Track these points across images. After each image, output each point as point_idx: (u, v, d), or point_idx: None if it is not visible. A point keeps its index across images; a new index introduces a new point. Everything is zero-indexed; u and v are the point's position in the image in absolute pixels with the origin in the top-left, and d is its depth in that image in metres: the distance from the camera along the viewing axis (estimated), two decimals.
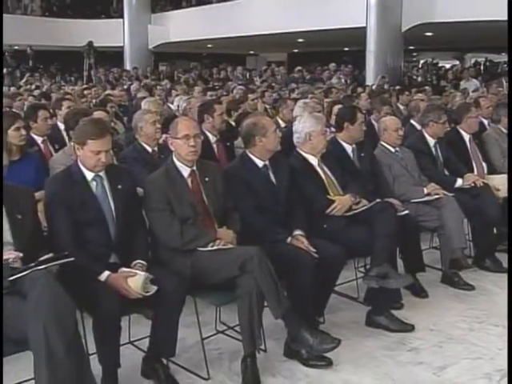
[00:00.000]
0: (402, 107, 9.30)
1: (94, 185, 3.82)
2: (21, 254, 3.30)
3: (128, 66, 24.05)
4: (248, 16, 21.24)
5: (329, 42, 22.22)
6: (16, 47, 24.68)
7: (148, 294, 3.53)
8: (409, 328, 4.52)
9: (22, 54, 24.96)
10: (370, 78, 16.99)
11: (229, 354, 4.16)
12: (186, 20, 24.63)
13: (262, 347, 4.00)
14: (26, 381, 3.41)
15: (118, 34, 25.07)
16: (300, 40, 23.34)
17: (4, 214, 3.43)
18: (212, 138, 5.80)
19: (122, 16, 25.63)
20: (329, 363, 4.00)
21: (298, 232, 4.26)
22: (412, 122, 7.15)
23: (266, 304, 3.79)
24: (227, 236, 4.01)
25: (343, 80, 16.49)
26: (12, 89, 15.17)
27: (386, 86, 13.86)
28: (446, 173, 5.90)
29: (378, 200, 4.75)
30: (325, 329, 4.30)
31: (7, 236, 3.41)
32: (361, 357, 4.14)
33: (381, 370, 3.99)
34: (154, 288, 3.55)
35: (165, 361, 3.87)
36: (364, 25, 17.17)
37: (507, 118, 6.32)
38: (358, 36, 17.36)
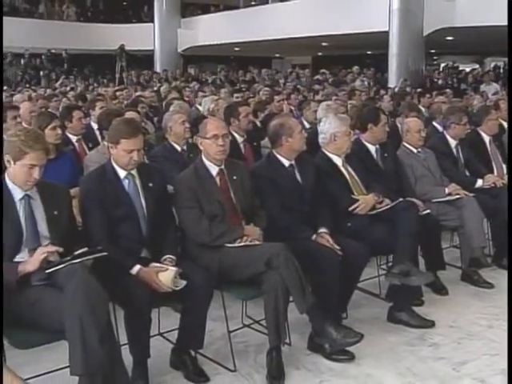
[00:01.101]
0: (423, 109, 9.22)
1: (126, 182, 3.83)
2: (61, 249, 3.32)
3: (158, 69, 24.14)
4: (274, 20, 21.25)
5: (352, 45, 22.14)
6: (53, 51, 24.92)
7: (177, 289, 3.54)
8: (429, 324, 4.49)
9: (57, 57, 25.18)
10: (392, 80, 16.91)
11: (254, 346, 4.16)
12: (214, 24, 24.71)
13: (287, 341, 3.99)
14: (61, 368, 3.40)
15: (148, 38, 25.22)
16: (324, 44, 23.27)
17: (41, 209, 3.45)
18: (239, 139, 5.80)
19: (152, 21, 25.78)
20: (351, 357, 3.98)
21: (322, 230, 4.24)
22: (434, 123, 7.09)
23: (291, 299, 3.78)
24: (254, 233, 4.00)
25: (366, 82, 16.40)
26: (48, 90, 15.27)
27: (407, 89, 13.76)
28: (467, 173, 5.85)
29: (400, 199, 4.71)
30: (348, 324, 4.27)
31: (44, 231, 3.43)
32: (382, 351, 4.12)
33: (402, 364, 3.96)
34: (184, 283, 3.56)
35: (193, 352, 3.88)
36: (387, 29, 17.11)
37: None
38: (380, 40, 17.29)
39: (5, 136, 5.18)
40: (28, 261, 3.29)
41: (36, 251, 3.31)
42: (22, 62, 24.72)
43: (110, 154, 3.85)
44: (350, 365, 3.95)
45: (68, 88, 15.97)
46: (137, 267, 3.59)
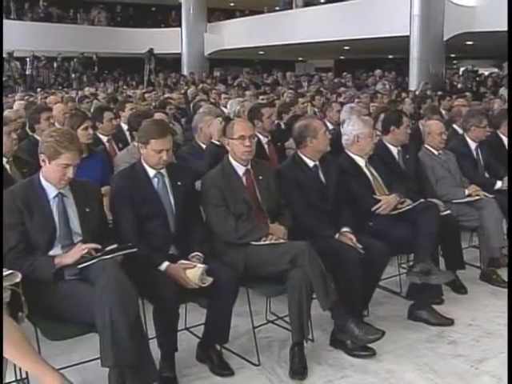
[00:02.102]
0: (443, 112, 9.15)
1: (155, 181, 3.84)
2: (99, 246, 3.34)
3: (185, 72, 24.24)
4: (297, 25, 21.23)
5: (373, 49, 22.06)
6: (84, 54, 25.15)
7: (204, 285, 3.54)
8: (449, 322, 4.46)
9: (88, 60, 25.37)
10: (413, 84, 16.82)
11: (278, 342, 4.15)
12: (239, 29, 24.75)
13: (310, 337, 3.98)
14: (92, 360, 3.44)
15: (176, 42, 25.31)
16: (346, 47, 23.20)
17: (74, 207, 3.48)
18: (263, 139, 5.79)
19: (180, 25, 25.88)
20: (372, 353, 3.96)
21: (345, 229, 4.23)
22: (454, 126, 7.03)
23: (314, 296, 3.77)
24: (279, 231, 4.00)
25: (387, 86, 16.32)
26: (79, 92, 15.40)
27: (428, 92, 13.67)
28: (487, 175, 5.80)
29: (421, 200, 4.67)
30: (369, 321, 4.25)
31: (76, 227, 3.45)
32: (403, 348, 4.10)
33: (422, 360, 3.94)
34: (210, 279, 3.56)
35: (218, 347, 3.89)
36: (408, 34, 17.02)
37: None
38: (401, 44, 17.22)
39: (38, 136, 5.33)
40: (66, 254, 3.33)
41: (76, 246, 3.35)
42: (55, 65, 24.96)
43: (140, 153, 3.86)
44: (370, 361, 3.93)
45: (99, 90, 16.07)
46: (165, 264, 3.60)
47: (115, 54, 26.33)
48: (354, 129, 4.67)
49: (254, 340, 3.96)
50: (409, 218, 4.49)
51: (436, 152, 5.48)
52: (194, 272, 3.55)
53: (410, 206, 4.59)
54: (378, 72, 18.22)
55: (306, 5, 22.61)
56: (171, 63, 26.52)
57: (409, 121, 5.39)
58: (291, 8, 23.30)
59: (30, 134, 5.84)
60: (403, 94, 12.11)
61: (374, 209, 4.55)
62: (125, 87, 19.53)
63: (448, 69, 20.59)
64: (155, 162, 3.80)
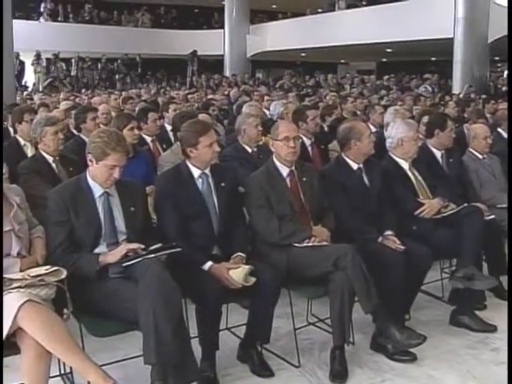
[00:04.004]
0: (488, 115, 9.01)
1: (200, 182, 3.86)
2: (142, 246, 3.37)
3: (227, 73, 24.32)
4: (339, 27, 21.18)
5: (416, 52, 21.85)
6: (128, 56, 25.48)
7: (248, 285, 3.55)
8: (491, 328, 4.39)
9: (132, 61, 25.68)
10: (457, 87, 16.62)
11: (319, 344, 4.14)
12: (282, 31, 24.76)
13: (351, 340, 3.95)
14: (135, 357, 3.48)
15: (219, 44, 25.42)
16: (389, 50, 23.03)
17: (119, 206, 3.52)
18: (307, 141, 5.78)
19: (222, 27, 25.96)
20: (413, 358, 3.92)
21: (388, 232, 4.20)
22: (499, 130, 6.91)
23: (355, 299, 3.75)
24: (322, 233, 3.98)
25: (430, 88, 16.15)
26: (123, 93, 15.56)
27: (472, 95, 13.48)
28: None
29: (465, 204, 4.60)
30: (410, 325, 4.21)
31: (121, 226, 3.49)
32: (444, 354, 4.05)
33: (463, 367, 3.89)
34: (254, 279, 3.56)
35: (259, 347, 3.89)
36: (451, 36, 16.82)
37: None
38: (444, 47, 17.01)
39: (84, 136, 5.41)
40: (110, 253, 3.37)
41: (119, 245, 3.40)
42: (99, 66, 25.33)
43: (190, 156, 3.86)
44: (411, 365, 3.89)
45: (143, 91, 16.21)
46: (208, 263, 3.62)
47: (158, 56, 26.60)
48: (399, 132, 4.63)
49: (295, 341, 3.95)
50: (452, 222, 4.43)
51: (480, 156, 5.42)
52: (238, 272, 3.56)
53: (454, 211, 4.53)
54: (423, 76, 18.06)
55: (349, 7, 22.53)
56: (214, 65, 26.65)
57: (453, 124, 5.33)
58: (334, 10, 23.23)
59: (76, 133, 5.93)
60: (447, 97, 11.97)
61: (417, 212, 4.50)
62: (168, 88, 19.67)
63: (492, 72, 20.28)
64: (209, 158, 3.85)
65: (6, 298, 2.92)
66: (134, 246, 3.37)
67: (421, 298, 4.65)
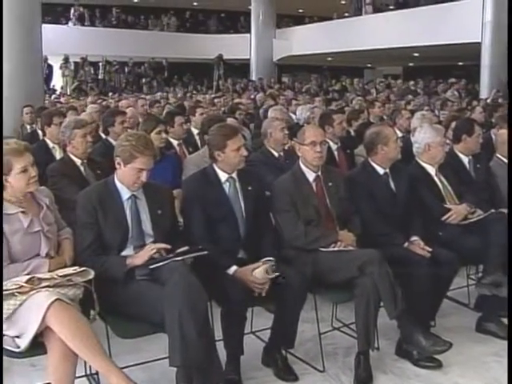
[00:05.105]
0: None
1: (227, 186, 3.88)
2: (169, 246, 3.41)
3: (254, 77, 24.36)
4: (366, 31, 21.13)
5: (443, 56, 21.71)
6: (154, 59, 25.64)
7: (271, 277, 3.56)
8: None
9: (158, 65, 25.84)
10: (484, 92, 16.46)
11: (343, 349, 4.14)
12: (308, 35, 24.77)
13: (376, 345, 3.93)
14: (160, 359, 3.50)
15: (245, 48, 25.46)
16: (415, 54, 22.92)
17: (146, 209, 3.55)
18: (333, 146, 5.78)
19: (249, 31, 26.03)
20: (439, 365, 3.90)
21: (414, 238, 4.18)
22: None
23: (381, 304, 3.74)
24: (348, 238, 3.98)
25: (457, 93, 16.02)
26: (149, 97, 15.67)
27: (500, 100, 13.34)
28: None
29: (492, 210, 4.57)
30: (436, 332, 4.16)
31: (148, 229, 3.52)
32: (470, 361, 4.02)
33: (489, 374, 3.85)
34: (276, 274, 3.58)
35: (284, 351, 3.89)
36: (479, 41, 16.67)
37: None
38: (472, 51, 16.89)
39: (112, 139, 5.45)
40: (137, 255, 3.40)
41: (145, 247, 3.42)
42: (126, 69, 25.53)
43: (217, 160, 3.87)
44: (436, 372, 3.86)
45: (170, 95, 16.29)
46: (233, 268, 3.64)
47: (185, 60, 26.73)
48: (426, 137, 4.61)
49: (320, 346, 3.95)
50: (479, 228, 4.40)
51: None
52: (259, 270, 3.57)
53: (481, 217, 4.50)
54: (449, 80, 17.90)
55: (376, 11, 22.46)
56: (240, 69, 26.73)
57: (480, 129, 5.30)
58: (360, 14, 23.18)
59: (104, 137, 5.99)
60: (474, 102, 11.86)
61: (443, 218, 4.48)
62: (194, 92, 19.76)
63: None
64: (237, 162, 3.85)
65: (35, 296, 2.96)
66: (161, 245, 3.41)
67: (446, 304, 4.60)
